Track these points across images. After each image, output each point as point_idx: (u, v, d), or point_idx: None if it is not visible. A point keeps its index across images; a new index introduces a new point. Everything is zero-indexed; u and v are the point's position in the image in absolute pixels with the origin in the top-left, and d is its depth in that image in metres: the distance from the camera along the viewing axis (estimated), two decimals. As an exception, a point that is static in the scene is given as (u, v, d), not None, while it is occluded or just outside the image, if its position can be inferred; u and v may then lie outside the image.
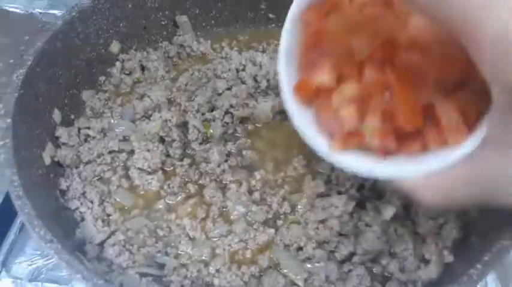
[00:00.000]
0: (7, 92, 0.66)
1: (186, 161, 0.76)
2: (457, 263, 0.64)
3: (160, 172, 0.75)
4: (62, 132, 0.76)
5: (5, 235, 0.82)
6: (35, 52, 0.72)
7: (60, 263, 0.49)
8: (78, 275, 0.48)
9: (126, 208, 0.71)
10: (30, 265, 0.81)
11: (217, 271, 0.65)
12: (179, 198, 0.73)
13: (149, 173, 0.75)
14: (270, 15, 0.96)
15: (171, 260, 0.65)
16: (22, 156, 0.62)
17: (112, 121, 0.80)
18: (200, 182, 0.74)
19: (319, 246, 0.66)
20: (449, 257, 0.65)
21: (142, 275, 0.62)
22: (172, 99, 0.85)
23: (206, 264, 0.66)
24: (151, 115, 0.81)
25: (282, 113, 0.82)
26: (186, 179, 0.75)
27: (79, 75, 0.82)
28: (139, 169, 0.74)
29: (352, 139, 0.48)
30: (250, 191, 0.73)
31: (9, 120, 0.63)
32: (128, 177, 0.75)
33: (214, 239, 0.68)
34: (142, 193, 0.73)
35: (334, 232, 0.66)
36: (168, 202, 0.72)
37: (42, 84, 0.72)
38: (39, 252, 0.82)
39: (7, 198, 0.84)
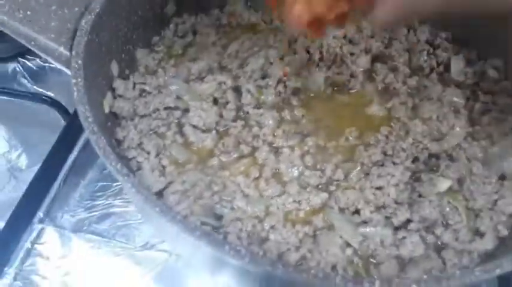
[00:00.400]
0: (77, 36, 0.66)
1: (240, 123, 0.77)
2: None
3: (214, 131, 0.75)
4: (119, 84, 0.76)
5: (50, 185, 0.83)
6: (100, 2, 0.72)
7: (137, 198, 0.49)
8: (157, 209, 0.48)
9: (181, 162, 0.72)
10: (73, 216, 0.82)
11: (272, 227, 0.65)
12: (232, 157, 0.73)
13: (203, 131, 0.75)
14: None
15: (229, 212, 0.65)
16: (90, 97, 0.62)
17: (167, 79, 0.80)
18: (253, 144, 0.75)
19: (376, 210, 0.66)
20: (504, 231, 0.65)
21: (203, 223, 0.63)
22: (223, 65, 0.86)
23: (260, 220, 0.66)
24: (204, 77, 0.82)
25: (334, 85, 0.83)
26: (239, 140, 0.75)
27: (135, 31, 0.82)
28: (194, 126, 0.75)
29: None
30: (303, 157, 0.74)
31: (80, 61, 0.63)
32: (182, 133, 0.75)
33: (268, 198, 0.68)
34: (195, 149, 0.74)
35: (390, 199, 0.67)
36: (221, 159, 0.73)
37: (106, 33, 0.72)
38: (82, 204, 0.83)
39: (54, 148, 0.84)
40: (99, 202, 0.83)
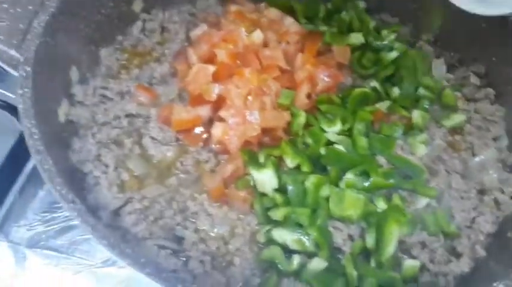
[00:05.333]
0: (27, 39, 0.60)
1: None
2: (491, 258, 0.61)
3: (176, 144, 0.71)
4: (78, 90, 0.70)
5: (5, 195, 0.77)
6: (56, 0, 0.66)
7: (83, 227, 0.45)
8: (104, 241, 0.44)
9: (139, 174, 0.66)
10: (30, 229, 0.76)
11: (238, 249, 0.61)
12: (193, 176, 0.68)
13: (163, 144, 0.70)
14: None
15: (191, 234, 0.61)
16: (40, 109, 0.56)
17: (129, 85, 0.74)
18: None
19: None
20: (481, 252, 0.62)
21: (160, 247, 0.58)
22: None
23: (226, 242, 0.62)
24: (168, 81, 0.77)
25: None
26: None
27: (98, 31, 0.76)
28: (153, 138, 0.70)
29: None
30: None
31: (29, 68, 0.57)
32: (141, 145, 0.69)
33: (233, 218, 0.64)
34: (155, 162, 0.69)
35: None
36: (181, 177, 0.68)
37: (62, 34, 0.66)
38: (39, 217, 0.77)
39: (10, 154, 0.78)
40: (59, 215, 0.77)
